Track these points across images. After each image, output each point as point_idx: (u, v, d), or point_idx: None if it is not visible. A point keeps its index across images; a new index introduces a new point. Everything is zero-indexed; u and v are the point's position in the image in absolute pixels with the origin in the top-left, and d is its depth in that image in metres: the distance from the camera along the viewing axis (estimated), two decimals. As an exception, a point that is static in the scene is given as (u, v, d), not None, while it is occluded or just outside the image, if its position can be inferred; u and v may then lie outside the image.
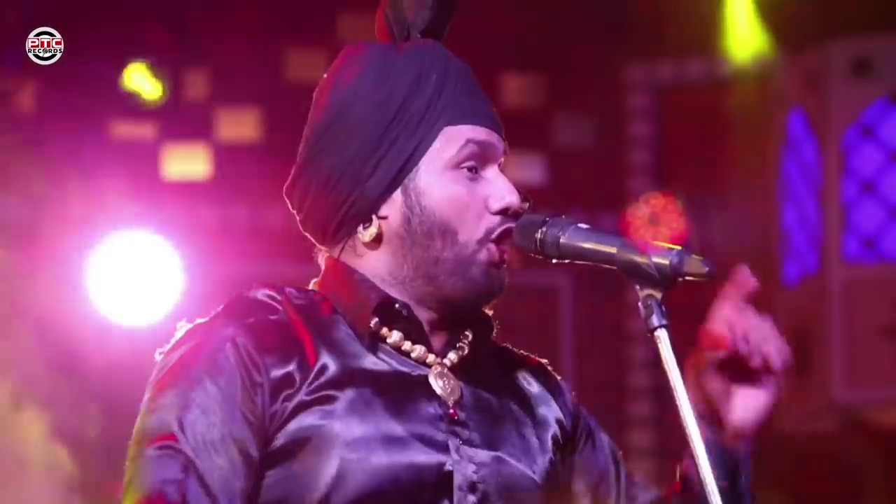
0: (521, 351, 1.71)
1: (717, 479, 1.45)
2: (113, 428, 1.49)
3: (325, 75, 1.61)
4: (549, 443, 1.62)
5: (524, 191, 1.54)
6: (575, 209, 5.19)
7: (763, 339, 1.41)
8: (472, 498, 1.46)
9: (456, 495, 1.43)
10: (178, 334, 1.52)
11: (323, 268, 1.58)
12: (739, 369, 1.46)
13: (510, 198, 1.51)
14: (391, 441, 1.42)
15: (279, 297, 1.54)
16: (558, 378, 1.72)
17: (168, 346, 1.51)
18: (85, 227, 3.49)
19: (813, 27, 5.39)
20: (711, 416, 1.46)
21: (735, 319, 1.44)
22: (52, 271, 3.43)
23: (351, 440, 1.40)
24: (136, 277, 3.65)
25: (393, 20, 1.64)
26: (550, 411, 1.65)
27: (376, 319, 1.48)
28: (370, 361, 1.52)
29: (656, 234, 5.15)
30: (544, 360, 1.70)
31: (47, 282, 3.44)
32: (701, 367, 1.42)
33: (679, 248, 1.31)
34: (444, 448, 1.44)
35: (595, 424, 1.71)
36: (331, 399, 1.44)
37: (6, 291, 3.39)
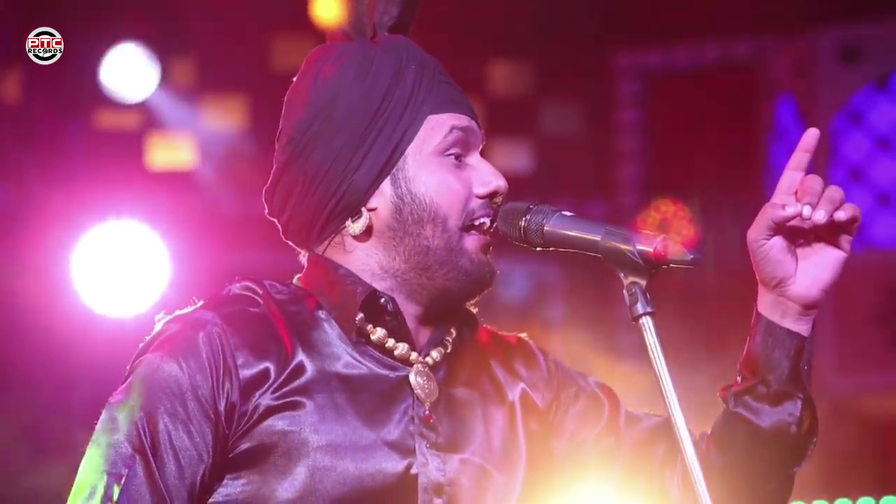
0: (501, 332, 1.70)
1: (779, 361, 1.44)
2: (98, 416, 1.47)
3: (297, 77, 1.60)
4: (521, 427, 1.61)
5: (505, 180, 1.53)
6: (562, 196, 5.18)
7: (829, 196, 1.38)
8: (438, 501, 1.46)
9: (421, 498, 1.42)
10: (158, 326, 1.51)
11: (306, 265, 1.57)
12: (805, 239, 1.43)
13: (497, 182, 1.50)
14: (359, 448, 1.41)
15: (260, 291, 1.52)
16: (535, 349, 1.71)
17: (148, 338, 1.50)
18: (69, 218, 3.47)
19: (802, 13, 5.38)
20: (777, 288, 1.43)
21: (801, 179, 1.42)
22: (37, 262, 3.41)
23: (318, 447, 1.39)
24: (122, 268, 3.62)
25: (354, 24, 1.63)
26: (520, 392, 1.64)
27: (361, 315, 1.47)
28: (348, 364, 1.51)
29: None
30: (522, 334, 1.70)
31: (32, 273, 3.42)
32: (768, 229, 1.39)
33: (662, 235, 1.30)
34: (411, 452, 1.43)
35: (580, 374, 1.70)
36: (300, 405, 1.42)
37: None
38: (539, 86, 5.65)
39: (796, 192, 1.38)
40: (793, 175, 1.41)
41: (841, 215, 1.36)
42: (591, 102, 5.57)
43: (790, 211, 1.35)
